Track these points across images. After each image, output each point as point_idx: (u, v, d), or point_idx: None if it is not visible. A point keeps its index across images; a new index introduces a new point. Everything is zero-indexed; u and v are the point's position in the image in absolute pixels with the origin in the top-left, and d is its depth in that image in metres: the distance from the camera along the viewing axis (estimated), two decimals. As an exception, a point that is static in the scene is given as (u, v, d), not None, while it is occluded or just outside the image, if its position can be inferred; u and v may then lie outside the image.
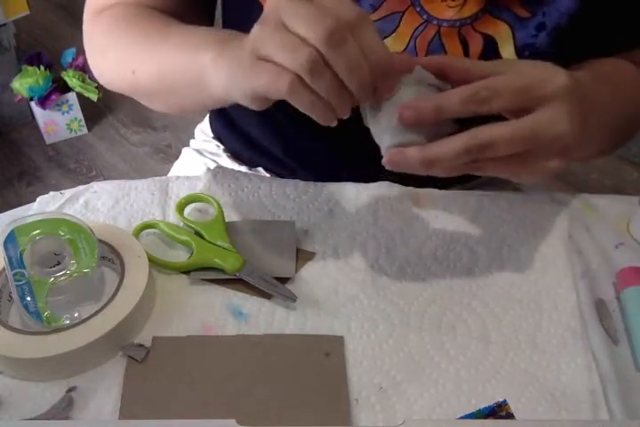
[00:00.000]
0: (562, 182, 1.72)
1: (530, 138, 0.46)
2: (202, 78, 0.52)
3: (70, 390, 0.50)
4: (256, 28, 0.45)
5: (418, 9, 0.59)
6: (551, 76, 0.47)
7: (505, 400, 0.50)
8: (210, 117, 0.88)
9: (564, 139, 0.47)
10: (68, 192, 0.66)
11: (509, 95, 0.46)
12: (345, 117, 0.47)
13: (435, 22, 0.59)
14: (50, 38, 2.18)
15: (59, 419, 0.48)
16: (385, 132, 0.49)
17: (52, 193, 0.66)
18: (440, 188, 0.68)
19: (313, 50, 0.42)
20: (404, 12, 0.59)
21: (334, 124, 0.47)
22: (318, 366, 0.52)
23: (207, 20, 0.71)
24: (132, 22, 0.63)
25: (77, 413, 0.49)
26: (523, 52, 0.60)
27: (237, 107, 0.57)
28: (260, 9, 0.61)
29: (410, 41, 0.60)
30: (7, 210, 0.65)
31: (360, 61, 0.43)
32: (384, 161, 0.48)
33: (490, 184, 0.81)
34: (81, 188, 0.66)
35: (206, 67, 0.51)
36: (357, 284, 0.58)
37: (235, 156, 0.83)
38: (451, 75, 0.49)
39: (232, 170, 0.69)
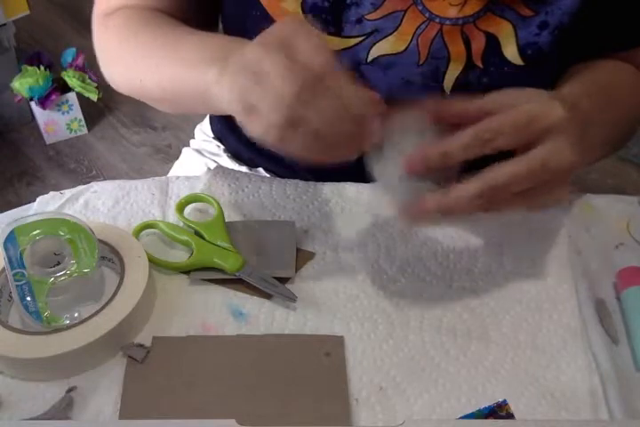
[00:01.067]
0: (562, 182, 1.72)
1: (540, 172, 0.47)
2: (207, 94, 0.53)
3: (70, 390, 0.50)
4: (242, 66, 0.46)
5: (420, 7, 0.59)
6: (549, 108, 0.48)
7: (505, 400, 0.50)
8: (210, 117, 0.88)
9: (572, 168, 0.48)
10: (68, 192, 0.66)
11: (511, 133, 0.47)
12: (352, 159, 0.48)
13: (437, 20, 0.59)
14: (50, 38, 2.18)
15: (59, 419, 0.48)
16: (393, 183, 0.50)
17: (51, 193, 0.66)
18: (441, 187, 0.67)
19: (289, 106, 0.43)
20: (405, 11, 0.59)
21: (340, 160, 0.48)
22: (318, 366, 0.52)
23: (213, 23, 0.71)
24: (141, 29, 0.63)
25: (77, 413, 0.49)
26: (525, 50, 0.60)
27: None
28: (258, 7, 0.61)
29: (412, 39, 0.60)
30: (7, 210, 0.65)
31: (334, 115, 0.44)
32: (400, 215, 0.49)
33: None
34: (81, 188, 0.66)
35: (210, 84, 0.52)
36: (357, 284, 0.58)
37: (235, 156, 0.83)
38: (448, 119, 0.50)
39: (232, 170, 0.69)
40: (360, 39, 0.61)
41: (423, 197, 0.48)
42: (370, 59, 0.61)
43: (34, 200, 0.65)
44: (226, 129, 0.83)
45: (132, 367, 0.52)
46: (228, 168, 0.69)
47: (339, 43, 0.61)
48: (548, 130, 0.47)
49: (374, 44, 0.61)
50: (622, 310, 0.57)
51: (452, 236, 0.63)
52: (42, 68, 1.74)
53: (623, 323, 0.56)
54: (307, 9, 0.60)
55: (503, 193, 0.47)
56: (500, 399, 0.50)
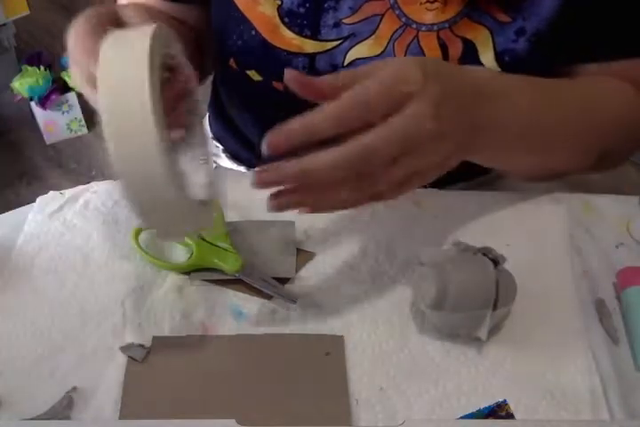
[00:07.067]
0: (562, 182, 1.72)
1: (404, 137, 0.42)
2: None
3: (70, 390, 0.50)
4: None
5: (397, 12, 0.59)
6: (407, 72, 0.43)
7: (505, 400, 0.50)
8: (209, 118, 0.88)
9: (431, 137, 0.43)
10: (68, 192, 0.66)
11: (376, 99, 0.42)
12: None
13: (413, 26, 0.59)
14: (50, 38, 2.18)
15: (59, 419, 0.48)
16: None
17: (51, 193, 0.65)
18: (441, 187, 0.68)
19: None
20: (383, 15, 0.59)
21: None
22: (318, 366, 0.52)
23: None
24: None
25: (77, 413, 0.49)
26: (503, 57, 0.59)
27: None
28: (237, 9, 0.61)
29: (388, 44, 0.60)
30: (7, 210, 0.64)
31: None
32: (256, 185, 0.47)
33: (490, 184, 0.81)
34: (81, 188, 0.66)
35: None
36: (357, 284, 0.58)
37: (233, 156, 0.83)
38: (312, 95, 0.45)
39: (232, 170, 0.69)
40: (337, 43, 0.61)
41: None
42: (346, 62, 0.62)
43: (34, 200, 0.65)
44: (224, 130, 0.83)
45: (132, 367, 0.52)
46: (227, 168, 0.69)
47: (315, 46, 0.61)
48: (409, 95, 0.42)
49: (351, 47, 0.61)
50: (622, 310, 0.57)
51: (452, 235, 0.63)
52: (42, 68, 1.74)
53: (623, 323, 0.56)
54: (283, 13, 0.60)
55: (374, 161, 0.43)
56: (500, 399, 0.50)
